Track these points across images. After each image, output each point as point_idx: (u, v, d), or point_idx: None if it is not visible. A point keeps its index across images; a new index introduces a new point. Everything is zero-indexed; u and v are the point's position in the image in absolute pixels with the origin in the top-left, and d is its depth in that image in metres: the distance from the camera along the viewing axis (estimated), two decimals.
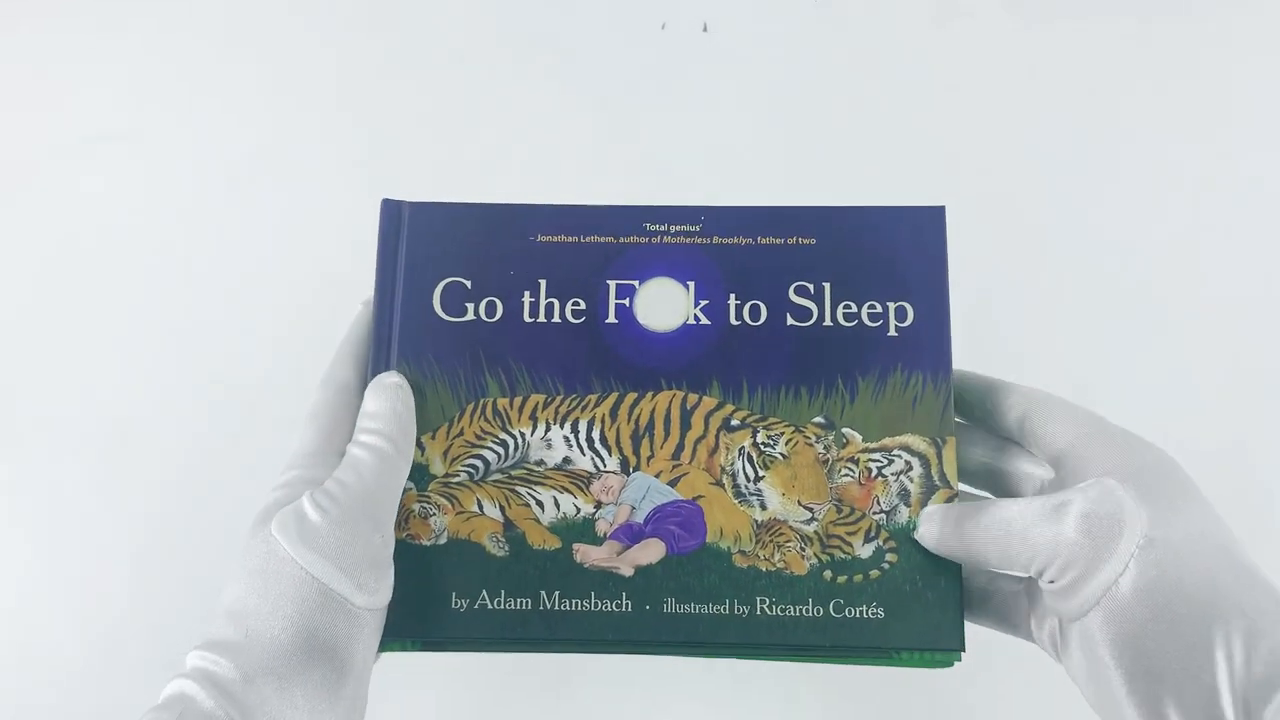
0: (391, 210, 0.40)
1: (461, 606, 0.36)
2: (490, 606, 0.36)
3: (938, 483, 0.37)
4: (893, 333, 0.38)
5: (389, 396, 0.36)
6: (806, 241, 0.39)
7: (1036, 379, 0.38)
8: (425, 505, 0.37)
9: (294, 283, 0.67)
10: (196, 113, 0.72)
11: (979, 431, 0.38)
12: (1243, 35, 0.71)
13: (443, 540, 0.37)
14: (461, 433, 0.38)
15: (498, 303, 0.39)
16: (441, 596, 0.36)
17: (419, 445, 0.37)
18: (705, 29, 0.72)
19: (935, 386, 0.37)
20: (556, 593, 0.36)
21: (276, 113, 0.72)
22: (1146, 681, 0.29)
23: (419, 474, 0.37)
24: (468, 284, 0.39)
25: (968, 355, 0.40)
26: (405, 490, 0.37)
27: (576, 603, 0.36)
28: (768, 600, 0.36)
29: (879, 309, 0.38)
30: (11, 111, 0.73)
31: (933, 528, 0.35)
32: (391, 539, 0.34)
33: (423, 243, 0.39)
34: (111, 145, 0.71)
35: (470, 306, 0.39)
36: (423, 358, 0.38)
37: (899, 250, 0.38)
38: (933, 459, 0.37)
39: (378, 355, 0.38)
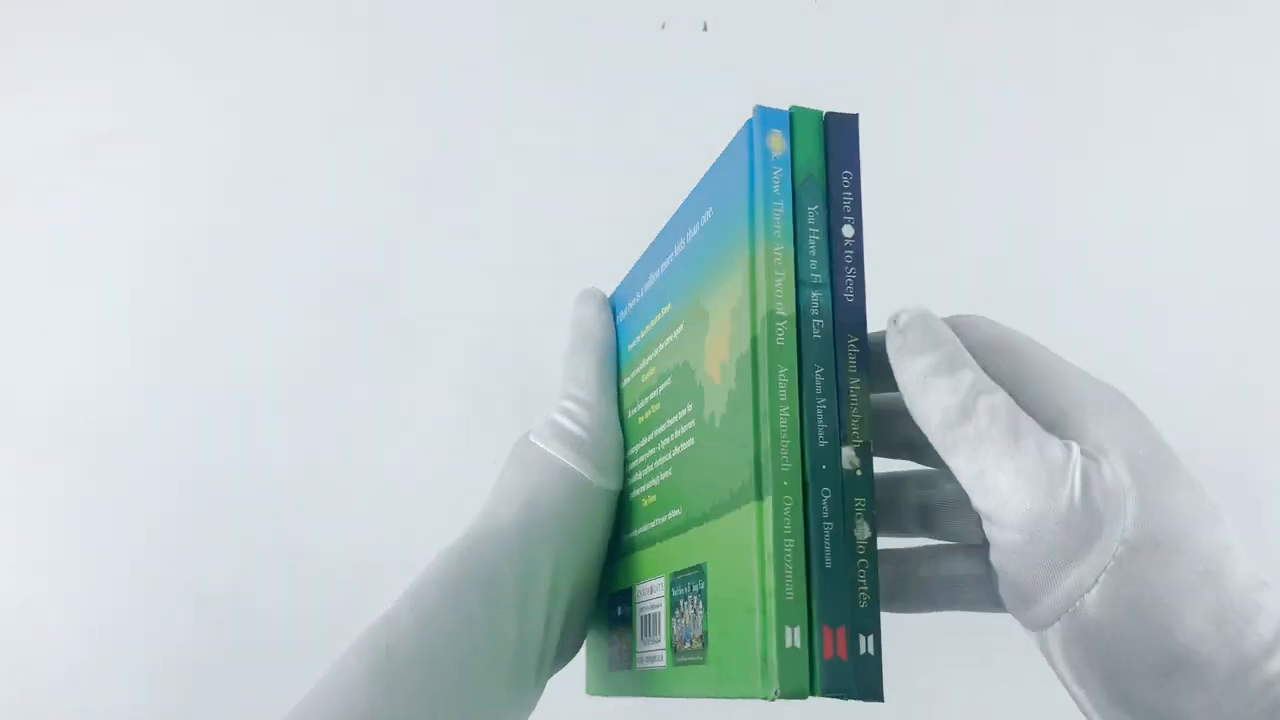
0: None
1: None
2: None
3: None
4: None
5: (592, 307, 0.40)
6: None
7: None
8: None
9: (295, 282, 0.67)
10: (197, 112, 0.72)
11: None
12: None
13: None
14: None
15: None
16: None
17: None
18: (705, 29, 0.72)
19: None
20: None
21: (278, 112, 0.72)
22: (1113, 708, 0.25)
23: None
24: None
25: None
26: None
27: None
28: None
29: None
30: (11, 111, 0.73)
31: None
32: (620, 438, 0.38)
33: None
34: (112, 145, 0.71)
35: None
36: None
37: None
38: None
39: None
